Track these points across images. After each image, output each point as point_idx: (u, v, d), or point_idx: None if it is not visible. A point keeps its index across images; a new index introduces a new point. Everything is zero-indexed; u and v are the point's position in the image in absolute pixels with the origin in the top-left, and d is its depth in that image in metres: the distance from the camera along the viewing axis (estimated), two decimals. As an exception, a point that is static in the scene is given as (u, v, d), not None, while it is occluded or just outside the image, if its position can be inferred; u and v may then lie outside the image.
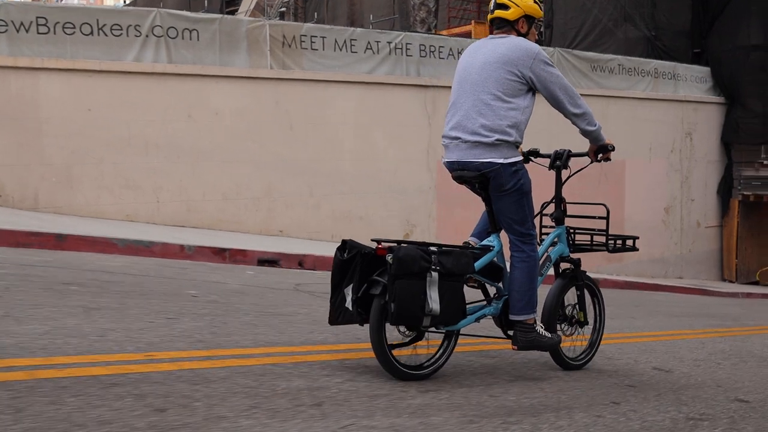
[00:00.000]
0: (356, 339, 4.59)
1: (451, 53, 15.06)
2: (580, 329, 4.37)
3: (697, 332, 7.33)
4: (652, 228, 17.93)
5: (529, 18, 3.95)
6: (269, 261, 8.95)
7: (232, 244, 9.30)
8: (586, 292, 4.45)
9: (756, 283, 19.67)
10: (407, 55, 14.55)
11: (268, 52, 13.16)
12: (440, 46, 14.98)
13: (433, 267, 3.42)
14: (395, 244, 3.41)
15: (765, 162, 19.00)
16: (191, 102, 12.37)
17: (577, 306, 4.34)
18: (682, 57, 19.40)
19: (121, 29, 12.03)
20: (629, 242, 4.55)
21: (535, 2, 3.98)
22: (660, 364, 5.05)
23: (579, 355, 4.40)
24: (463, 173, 3.81)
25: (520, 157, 3.87)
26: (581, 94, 4.08)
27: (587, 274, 4.48)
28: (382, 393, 3.37)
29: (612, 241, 4.47)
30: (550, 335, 3.97)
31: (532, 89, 3.85)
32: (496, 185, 3.77)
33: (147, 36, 12.18)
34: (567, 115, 3.96)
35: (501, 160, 3.72)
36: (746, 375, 5.06)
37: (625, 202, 17.38)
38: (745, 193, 19.18)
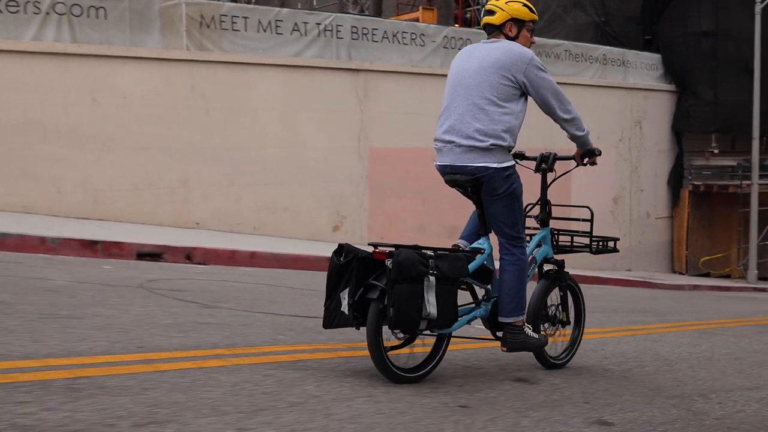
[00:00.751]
0: (139, 348, 3.61)
1: (385, 36, 14.09)
2: (561, 329, 4.32)
3: (606, 330, 6.41)
4: (600, 219, 16.95)
5: (517, 21, 3.87)
6: (150, 254, 7.94)
7: (110, 236, 8.27)
8: (567, 292, 4.38)
9: (707, 275, 18.94)
10: (338, 38, 13.55)
11: (185, 33, 12.11)
12: (374, 29, 14.00)
13: (431, 271, 3.35)
14: (394, 249, 3.31)
15: (716, 151, 18.23)
16: (96, 85, 11.30)
17: (560, 306, 4.29)
18: (633, 43, 18.57)
19: (18, 6, 10.94)
20: (611, 243, 4.54)
21: (524, 5, 3.89)
22: (529, 374, 4.11)
23: (560, 354, 4.34)
24: (456, 177, 3.74)
25: (513, 162, 3.80)
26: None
27: (568, 273, 4.37)
28: (77, 429, 2.40)
29: (595, 243, 4.39)
30: (537, 336, 3.94)
31: (524, 94, 3.80)
32: (490, 189, 3.71)
33: (47, 13, 11.10)
34: (557, 120, 3.92)
35: (495, 165, 3.67)
36: (632, 385, 4.14)
37: (571, 192, 16.51)
38: (695, 182, 18.40)
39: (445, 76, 4.00)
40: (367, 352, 3.45)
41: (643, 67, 18.14)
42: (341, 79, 13.45)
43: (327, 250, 4.18)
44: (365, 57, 13.74)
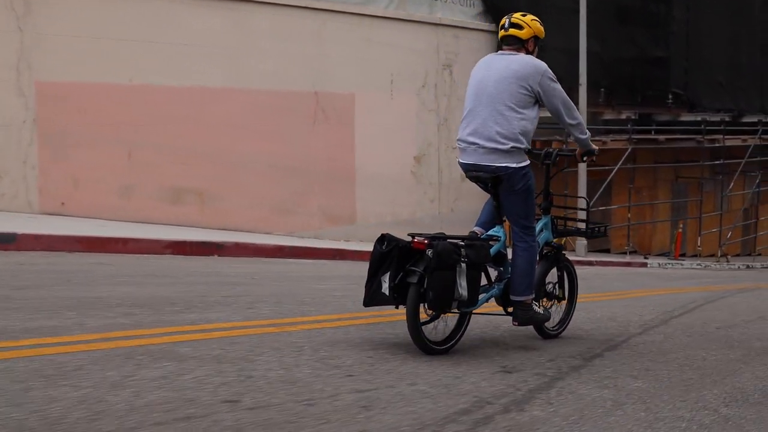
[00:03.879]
0: None
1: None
2: (557, 303, 4.56)
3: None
4: (397, 181, 13.53)
5: (536, 38, 4.15)
6: None
7: None
8: (564, 272, 4.64)
9: (536, 247, 15.65)
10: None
11: None
12: None
13: (462, 259, 3.59)
14: (432, 240, 3.54)
15: (539, 100, 14.82)
16: None
17: (557, 284, 4.55)
18: (448, -25, 14.97)
19: None
20: (601, 228, 4.77)
21: (541, 24, 4.18)
22: None
23: (554, 326, 4.54)
24: (479, 174, 3.99)
25: (529, 162, 4.00)
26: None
27: (565, 254, 4.63)
28: None
29: (590, 229, 4.70)
30: (543, 312, 4.25)
31: (538, 101, 4.02)
32: (508, 185, 3.97)
33: None
34: (564, 125, 4.16)
35: (514, 165, 3.91)
36: None
37: (355, 147, 12.86)
38: (517, 138, 15.01)
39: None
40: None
41: (455, 1, 14.57)
42: (-13, -14, 9.37)
43: None
44: (29, -42, 9.67)
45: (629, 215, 16.11)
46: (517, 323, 4.08)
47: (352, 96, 12.73)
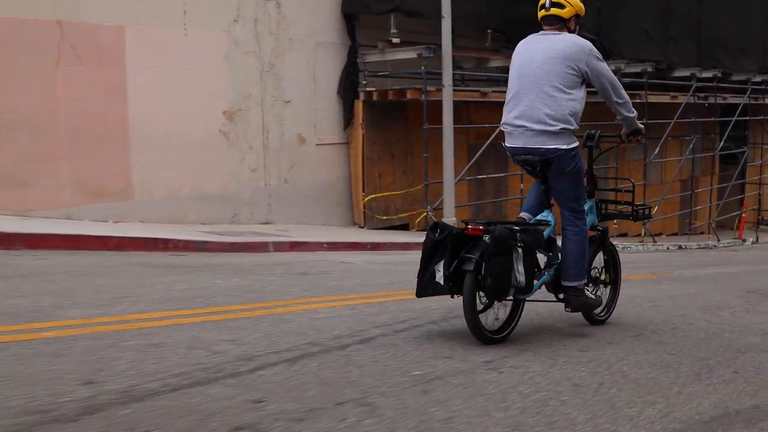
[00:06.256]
0: None
1: None
2: (604, 288, 4.45)
3: None
4: (198, 144, 10.22)
5: (577, 17, 4.06)
6: None
7: None
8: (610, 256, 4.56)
9: (405, 227, 12.38)
10: None
11: None
12: None
13: (519, 244, 3.58)
14: (488, 225, 3.55)
15: (395, 39, 11.48)
16: None
17: (603, 269, 4.45)
18: None
19: None
20: (646, 210, 4.69)
21: (581, 2, 4.07)
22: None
23: (601, 312, 4.45)
24: (527, 158, 3.93)
25: (577, 143, 3.97)
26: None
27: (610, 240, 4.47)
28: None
29: (636, 211, 4.57)
30: (594, 297, 4.18)
31: (584, 81, 3.96)
32: (558, 168, 3.92)
33: None
34: (611, 103, 4.09)
35: (564, 147, 3.86)
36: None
37: (127, 97, 9.53)
38: (369, 89, 11.69)
39: None
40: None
41: None
42: None
43: None
44: None
45: (522, 186, 12.81)
46: (569, 309, 4.03)
47: (121, 29, 9.39)
